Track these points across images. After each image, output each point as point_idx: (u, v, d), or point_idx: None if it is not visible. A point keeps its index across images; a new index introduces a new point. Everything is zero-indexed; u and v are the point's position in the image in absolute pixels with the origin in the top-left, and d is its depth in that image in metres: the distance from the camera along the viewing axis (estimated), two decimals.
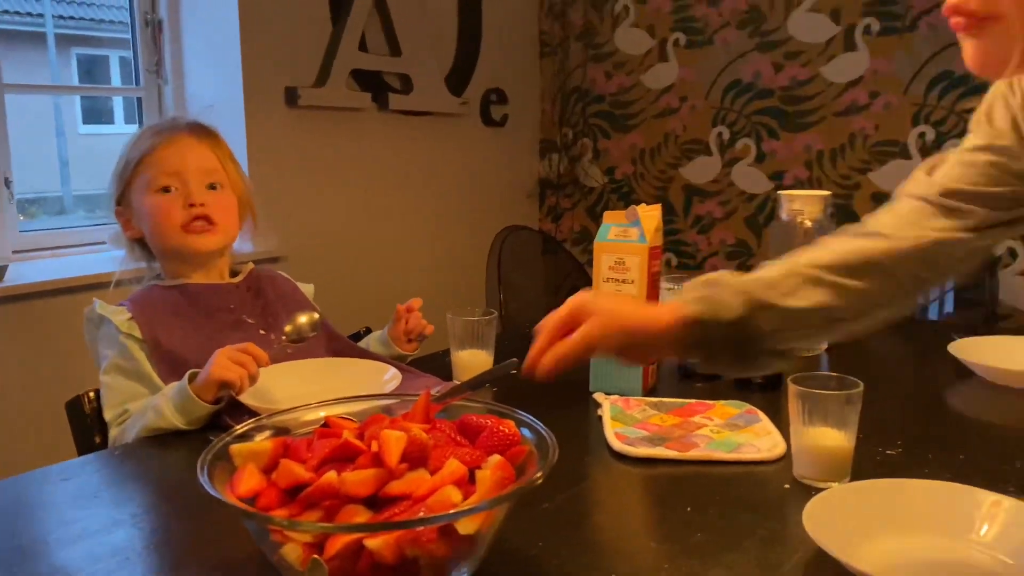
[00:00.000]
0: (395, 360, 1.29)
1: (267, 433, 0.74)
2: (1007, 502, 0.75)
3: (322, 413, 0.76)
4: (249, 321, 1.24)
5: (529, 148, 3.47)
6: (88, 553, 0.76)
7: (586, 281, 2.43)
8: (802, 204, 1.42)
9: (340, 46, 2.55)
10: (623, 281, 1.21)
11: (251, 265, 1.33)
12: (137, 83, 2.46)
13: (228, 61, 2.37)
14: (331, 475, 0.64)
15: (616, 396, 1.18)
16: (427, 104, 2.89)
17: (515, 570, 0.73)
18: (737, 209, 3.03)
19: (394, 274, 2.74)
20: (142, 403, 1.10)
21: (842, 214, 2.77)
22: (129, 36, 2.46)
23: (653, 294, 1.23)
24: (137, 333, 1.14)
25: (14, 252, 2.15)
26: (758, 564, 0.73)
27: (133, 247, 1.30)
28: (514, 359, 0.87)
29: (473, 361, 1.26)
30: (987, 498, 0.76)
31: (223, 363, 1.03)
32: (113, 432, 1.12)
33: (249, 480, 0.66)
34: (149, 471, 0.99)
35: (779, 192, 1.47)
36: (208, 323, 1.19)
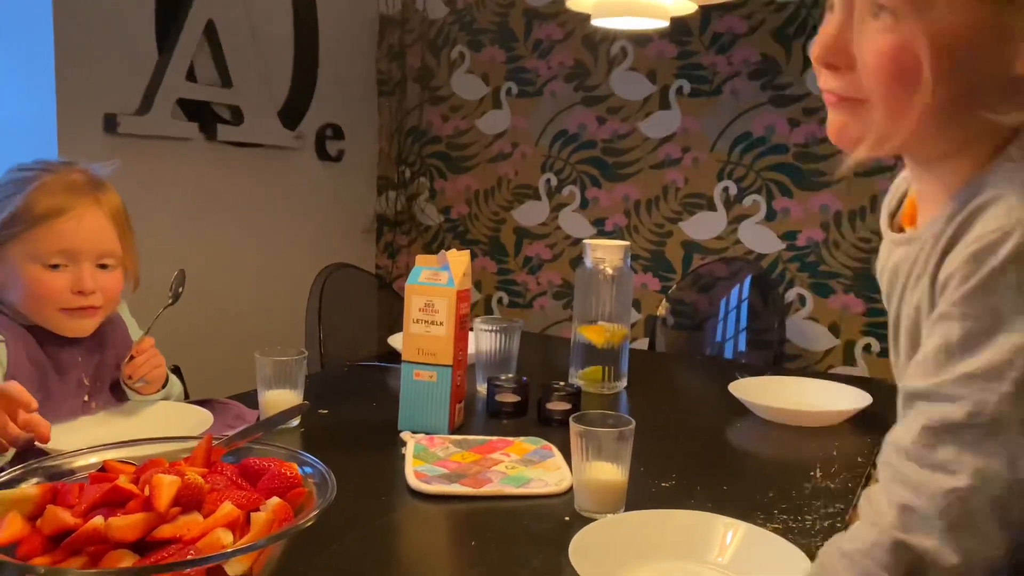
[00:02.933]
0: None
1: (36, 479, 0.72)
2: (743, 527, 0.85)
3: (95, 458, 0.75)
4: (85, 383, 1.20)
5: (366, 184, 3.48)
6: None
7: None
8: (604, 253, 1.52)
9: (166, 74, 2.48)
10: (432, 323, 1.26)
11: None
12: None
13: (40, 84, 2.25)
14: (97, 520, 0.63)
15: (421, 435, 1.22)
16: (258, 136, 2.85)
17: None
18: (563, 252, 3.17)
19: (216, 311, 2.66)
20: None
21: (656, 259, 2.97)
22: None
23: (462, 335, 1.28)
24: (3, 358, 1.08)
25: None
26: None
27: None
28: (305, 402, 0.89)
29: (280, 401, 1.26)
30: (728, 526, 0.86)
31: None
32: None
33: (11, 527, 0.65)
34: None
35: (584, 241, 1.57)
36: (58, 383, 1.16)
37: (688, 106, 2.88)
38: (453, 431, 1.27)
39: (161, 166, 2.52)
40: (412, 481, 1.05)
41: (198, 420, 1.15)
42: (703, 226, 2.86)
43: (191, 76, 2.59)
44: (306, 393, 1.29)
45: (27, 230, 1.12)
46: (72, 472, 0.75)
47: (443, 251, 1.28)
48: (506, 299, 3.28)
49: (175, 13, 2.53)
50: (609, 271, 1.53)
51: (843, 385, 1.51)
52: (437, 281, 1.26)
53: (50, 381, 1.15)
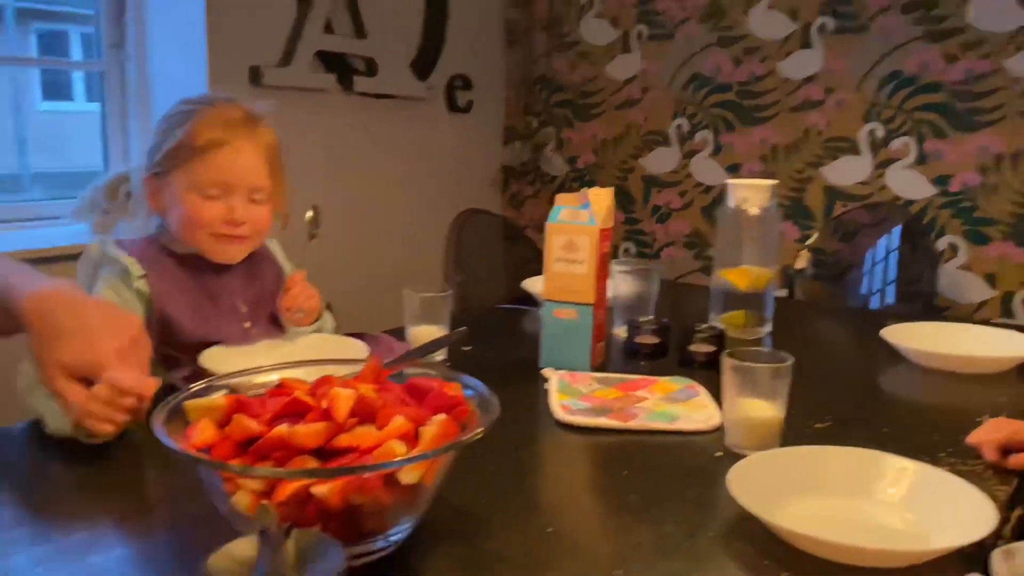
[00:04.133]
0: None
1: (222, 392, 0.77)
2: (913, 466, 0.81)
3: (276, 376, 0.79)
4: (242, 309, 1.25)
5: (493, 135, 3.50)
6: (38, 506, 0.79)
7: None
8: (748, 192, 1.47)
9: (305, 26, 2.56)
10: (573, 262, 1.25)
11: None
12: (99, 58, 2.45)
13: (193, 38, 2.37)
14: (282, 428, 0.67)
15: (564, 372, 1.22)
16: (392, 87, 2.91)
17: (458, 524, 0.77)
18: (694, 200, 3.10)
19: (356, 253, 2.76)
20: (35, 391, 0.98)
21: (795, 207, 2.85)
22: (92, 11, 2.44)
23: (603, 275, 1.28)
24: (146, 290, 1.15)
25: None
26: (685, 522, 0.78)
27: (120, 197, 1.28)
28: (464, 328, 0.91)
29: (427, 336, 1.30)
30: (896, 463, 0.82)
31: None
32: (20, 368, 1.02)
33: (203, 433, 0.69)
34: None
35: (727, 181, 1.52)
36: (209, 305, 1.21)
37: (832, 44, 2.72)
38: (594, 369, 1.27)
39: (302, 117, 2.62)
40: (558, 413, 1.06)
41: (354, 350, 1.19)
42: (846, 171, 2.72)
43: (328, 28, 2.65)
44: (450, 331, 1.32)
45: (188, 160, 1.19)
46: (250, 389, 0.80)
47: (585, 189, 1.27)
48: (633, 249, 3.24)
49: None
50: (754, 211, 1.48)
51: (1006, 331, 1.41)
52: (578, 220, 1.26)
53: (204, 307, 1.22)
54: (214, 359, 1.11)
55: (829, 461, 0.85)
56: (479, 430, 0.68)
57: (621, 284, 1.51)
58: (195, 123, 1.19)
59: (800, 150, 2.83)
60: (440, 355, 1.29)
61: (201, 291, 1.23)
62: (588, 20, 3.25)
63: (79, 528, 0.75)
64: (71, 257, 2.04)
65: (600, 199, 1.25)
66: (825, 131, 2.77)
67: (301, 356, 1.20)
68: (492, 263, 2.36)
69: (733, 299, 1.51)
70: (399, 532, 0.70)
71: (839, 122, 2.74)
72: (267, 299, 1.31)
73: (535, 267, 2.29)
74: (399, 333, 1.38)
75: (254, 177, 1.22)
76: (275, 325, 1.31)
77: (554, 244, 1.26)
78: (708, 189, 3.06)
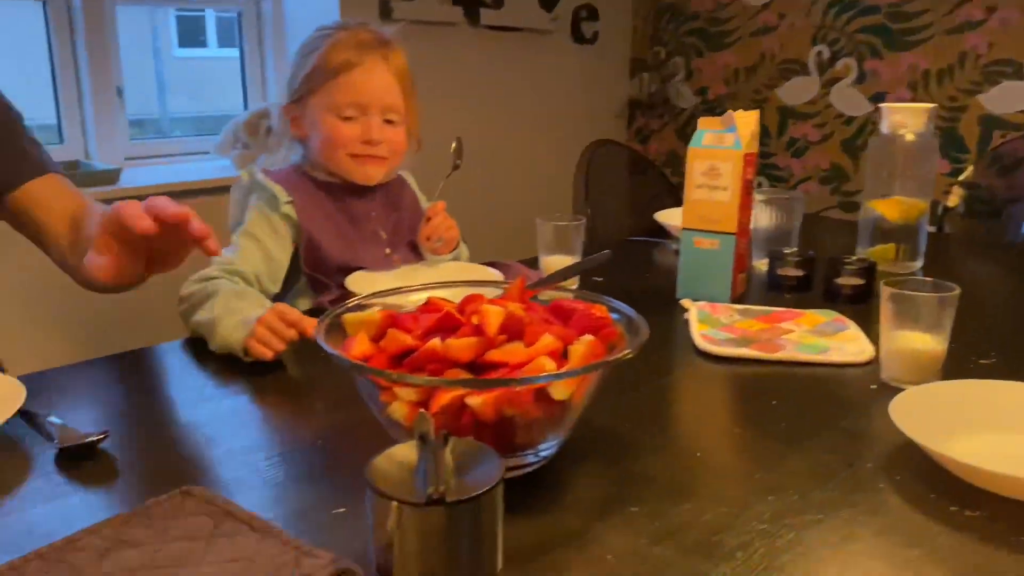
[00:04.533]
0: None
1: (375, 309, 0.78)
2: None
3: (425, 295, 0.80)
4: (382, 236, 1.28)
5: (619, 67, 3.41)
6: (212, 413, 0.84)
7: (675, 201, 2.41)
8: (904, 117, 1.37)
9: None
10: (716, 188, 1.21)
11: (394, 175, 1.35)
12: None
13: None
14: (435, 341, 0.68)
15: (703, 302, 1.19)
16: (518, 20, 2.87)
17: (603, 445, 0.77)
18: (834, 132, 2.93)
19: (485, 185, 2.77)
20: (214, 299, 1.04)
21: (947, 138, 2.65)
22: None
23: (746, 202, 1.23)
24: (293, 216, 1.19)
25: (126, 159, 2.27)
26: (841, 452, 0.75)
27: (263, 130, 1.33)
28: (607, 251, 0.89)
29: (559, 265, 1.29)
30: None
31: (263, 337, 0.94)
32: (186, 289, 1.09)
33: (360, 346, 0.71)
34: None
35: (881, 105, 1.42)
36: (351, 231, 1.25)
37: None
38: (734, 301, 1.23)
39: (430, 50, 2.62)
40: (700, 343, 1.03)
41: (489, 278, 1.20)
42: (1008, 98, 2.50)
43: None
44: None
45: (324, 83, 1.22)
46: (401, 308, 0.81)
47: (730, 111, 1.21)
48: (766, 184, 3.11)
49: None
50: (910, 137, 1.38)
51: None
52: (722, 144, 1.21)
53: (347, 231, 1.26)
54: (360, 282, 1.15)
55: (999, 395, 0.79)
56: (630, 349, 0.67)
57: (762, 214, 1.45)
58: (329, 46, 1.22)
59: (955, 76, 2.61)
60: (575, 283, 1.29)
61: (343, 216, 1.26)
62: None
63: (245, 435, 0.79)
64: (214, 190, 2.16)
65: (746, 122, 1.19)
66: (985, 54, 2.55)
67: (441, 280, 1.23)
68: (619, 196, 2.31)
69: (882, 232, 1.42)
70: (547, 448, 0.70)
71: (1002, 44, 2.51)
72: (405, 227, 1.33)
73: (663, 202, 2.24)
74: (530, 264, 1.38)
75: (387, 97, 1.24)
76: (413, 252, 1.33)
77: (695, 170, 1.22)
78: (850, 120, 2.88)
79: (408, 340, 0.70)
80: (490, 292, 0.85)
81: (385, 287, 1.14)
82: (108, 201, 2.07)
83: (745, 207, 1.22)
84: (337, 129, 1.22)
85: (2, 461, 0.73)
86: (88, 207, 1.07)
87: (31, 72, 2.30)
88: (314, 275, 1.21)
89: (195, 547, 0.58)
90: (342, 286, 1.19)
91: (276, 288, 1.21)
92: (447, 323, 0.71)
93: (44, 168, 1.11)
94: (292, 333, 0.95)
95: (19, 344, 1.23)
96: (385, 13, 2.48)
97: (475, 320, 0.71)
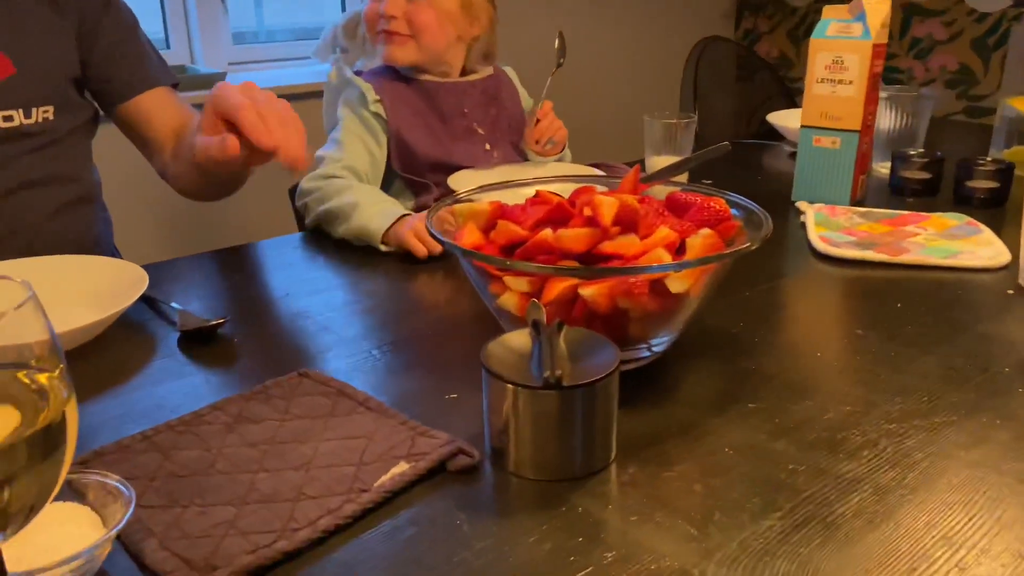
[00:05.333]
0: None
1: (484, 200, 0.77)
2: None
3: (535, 188, 0.78)
4: (479, 132, 1.25)
5: None
6: (324, 303, 0.85)
7: (787, 104, 2.29)
8: None
9: None
10: (840, 82, 1.13)
11: (491, 70, 1.30)
12: None
13: None
14: (546, 232, 0.66)
15: (821, 205, 1.13)
16: None
17: (718, 342, 0.74)
18: (963, 30, 2.70)
19: (587, 85, 2.69)
20: (348, 191, 1.08)
21: None
22: None
23: (873, 97, 1.14)
24: (383, 113, 1.18)
25: (229, 64, 2.30)
26: (976, 356, 0.71)
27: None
28: (725, 143, 0.85)
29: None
30: None
31: (420, 233, 0.98)
32: (310, 184, 1.11)
33: (470, 236, 0.70)
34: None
35: None
36: (442, 127, 1.23)
37: None
38: (854, 203, 1.16)
39: None
40: (819, 244, 0.98)
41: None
42: None
43: None
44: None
45: None
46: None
47: None
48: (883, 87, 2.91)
49: None
50: None
51: None
52: (849, 34, 1.12)
53: (437, 129, 1.23)
54: (462, 181, 1.13)
55: None
56: (751, 242, 0.64)
57: (884, 114, 1.35)
58: None
59: None
60: (683, 177, 1.24)
61: (434, 114, 1.24)
62: None
63: (358, 325, 0.80)
64: (315, 94, 2.17)
65: (877, 9, 1.10)
66: None
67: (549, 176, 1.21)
68: (729, 97, 2.21)
69: (1021, 133, 1.31)
70: (660, 343, 0.69)
71: None
72: (505, 124, 1.30)
73: (774, 105, 2.13)
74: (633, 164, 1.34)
75: None
76: (515, 151, 1.31)
77: (818, 62, 1.14)
78: (982, 18, 2.65)
79: (518, 231, 0.68)
80: (600, 187, 0.82)
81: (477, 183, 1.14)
82: None
83: (871, 103, 1.14)
84: (368, 9, 1.21)
85: (130, 342, 0.76)
86: (192, 121, 1.10)
87: None
88: (408, 175, 1.21)
89: (314, 424, 0.59)
90: (440, 185, 1.18)
91: (378, 186, 1.21)
92: (558, 214, 0.69)
93: (155, 80, 1.14)
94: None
95: (137, 236, 1.28)
96: None
97: (587, 212, 0.68)
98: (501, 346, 0.57)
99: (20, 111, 1.03)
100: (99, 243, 1.17)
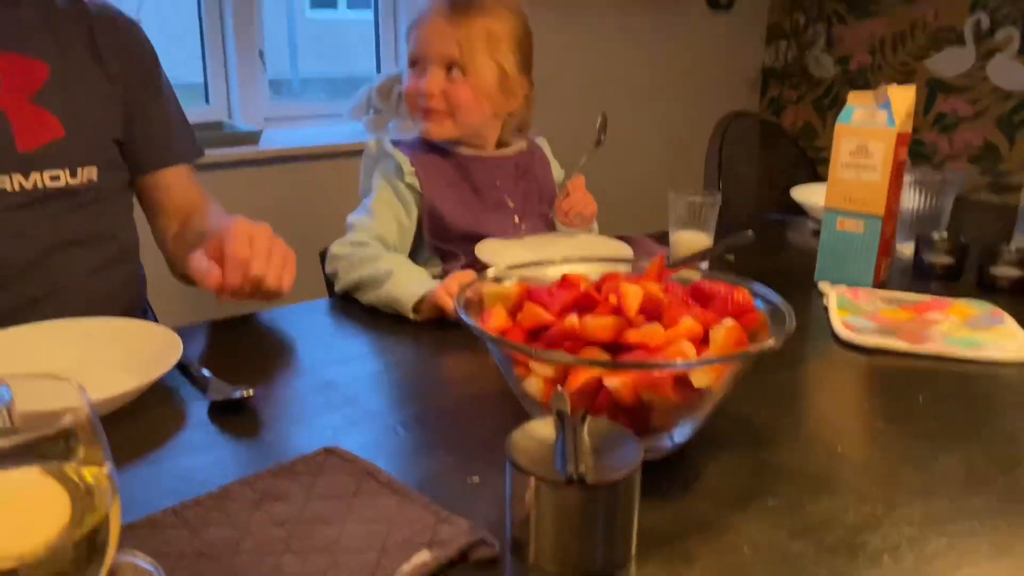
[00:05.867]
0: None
1: (512, 281, 0.79)
2: None
3: (562, 269, 0.80)
4: (509, 205, 1.28)
5: (755, 34, 3.28)
6: (352, 373, 0.87)
7: (810, 175, 2.31)
8: None
9: None
10: (864, 168, 1.15)
11: (524, 144, 1.33)
12: None
13: None
14: (572, 319, 0.68)
15: (843, 287, 1.14)
16: None
17: (740, 433, 0.75)
18: (988, 107, 2.73)
19: (612, 155, 2.73)
20: (380, 259, 1.11)
21: None
22: None
23: (896, 185, 1.16)
24: (417, 186, 1.21)
25: (265, 119, 2.36)
26: (996, 456, 0.71)
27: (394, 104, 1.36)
28: (749, 232, 0.86)
29: (693, 242, 1.26)
30: None
31: (452, 289, 0.99)
32: (341, 249, 1.14)
33: (497, 319, 0.72)
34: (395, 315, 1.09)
35: None
36: (474, 198, 1.25)
37: None
38: (877, 286, 1.17)
39: (560, 18, 2.60)
40: (841, 331, 0.99)
41: (619, 252, 1.19)
42: None
43: None
44: (716, 237, 1.27)
45: (408, 39, 1.25)
46: (536, 280, 0.81)
47: (884, 85, 1.14)
48: (907, 163, 2.93)
49: None
50: None
51: None
52: (874, 122, 1.14)
53: (471, 200, 1.26)
54: (489, 251, 1.16)
55: None
56: (775, 339, 0.64)
57: (910, 195, 1.36)
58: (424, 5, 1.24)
59: None
60: (705, 264, 1.25)
61: (467, 185, 1.26)
62: None
63: (383, 398, 0.82)
64: (347, 154, 2.22)
65: (902, 98, 1.12)
66: None
67: (572, 252, 1.22)
68: (752, 167, 2.24)
69: None
70: (683, 433, 0.69)
71: None
72: (536, 196, 1.32)
73: (796, 174, 2.15)
74: (660, 238, 1.36)
75: (442, 48, 1.20)
76: (543, 222, 1.33)
77: (843, 148, 1.16)
78: (1008, 96, 2.67)
79: (545, 316, 0.70)
80: (625, 268, 0.84)
81: (515, 256, 1.16)
82: (249, 163, 2.17)
83: (895, 189, 1.16)
84: (408, 82, 1.24)
85: (160, 408, 0.78)
86: (202, 207, 1.20)
87: (179, 32, 2.42)
88: (438, 244, 1.23)
89: (339, 505, 0.60)
90: (469, 254, 1.20)
91: (405, 255, 1.23)
92: (584, 301, 0.71)
93: (180, 157, 1.22)
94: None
95: (168, 292, 1.31)
96: None
97: (613, 299, 0.70)
98: (525, 435, 0.58)
99: (66, 170, 1.07)
100: (134, 300, 1.20)
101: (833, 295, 1.10)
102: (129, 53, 1.15)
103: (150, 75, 1.18)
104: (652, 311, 0.69)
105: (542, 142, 1.40)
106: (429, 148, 1.27)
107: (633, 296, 0.69)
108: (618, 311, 0.69)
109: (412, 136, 1.31)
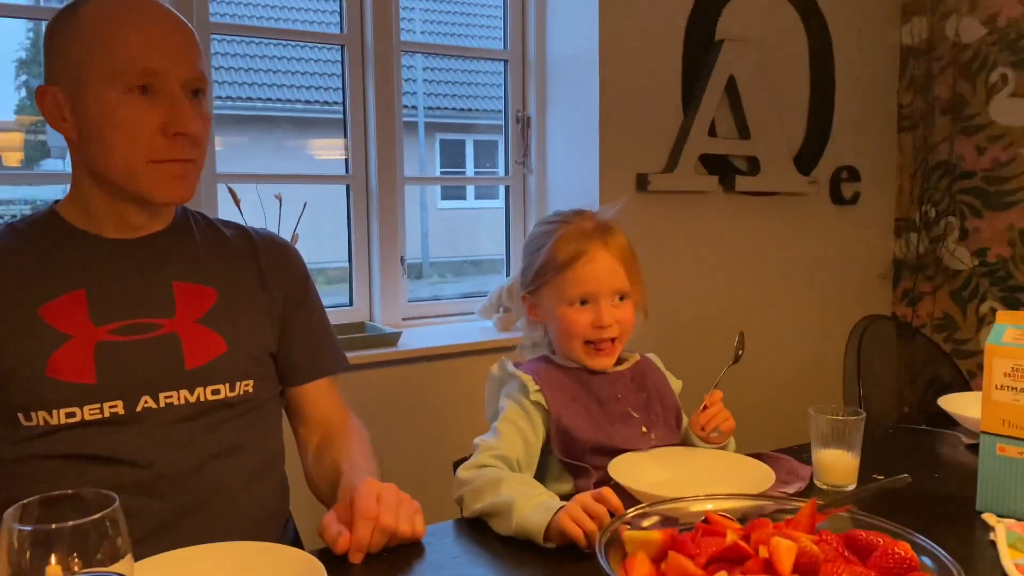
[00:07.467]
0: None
1: (653, 519, 0.78)
2: None
3: (706, 506, 0.78)
4: (634, 415, 1.29)
5: (883, 227, 3.25)
6: None
7: (949, 369, 2.20)
8: None
9: (690, 133, 2.63)
10: (1021, 391, 1.09)
11: (637, 356, 1.37)
12: (506, 172, 2.76)
13: (586, 152, 2.56)
14: (721, 575, 0.66)
15: (1012, 520, 1.05)
16: (774, 184, 2.86)
17: None
18: None
19: (748, 365, 2.70)
20: (502, 484, 1.10)
21: None
22: (497, 124, 2.77)
23: None
24: (543, 403, 1.24)
25: (403, 319, 2.50)
26: None
27: (531, 325, 1.41)
28: (906, 476, 0.82)
29: (837, 463, 1.21)
30: None
31: (576, 515, 0.97)
32: (465, 474, 1.16)
33: (640, 568, 0.70)
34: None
35: None
36: (599, 411, 1.27)
37: None
38: None
39: (684, 217, 2.68)
40: (1014, 575, 0.90)
41: (760, 474, 1.15)
42: None
43: (712, 132, 2.70)
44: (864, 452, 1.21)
45: (554, 277, 1.28)
46: (678, 517, 0.80)
47: None
48: None
49: (698, 74, 2.68)
50: None
51: None
52: None
53: (596, 413, 1.27)
54: (622, 469, 1.15)
55: None
56: None
57: None
58: (555, 242, 1.29)
59: None
60: (851, 482, 1.19)
61: (591, 399, 1.28)
62: (1000, 100, 2.91)
63: None
64: (478, 352, 2.30)
65: None
66: None
67: (706, 470, 1.20)
68: (889, 365, 2.16)
69: None
70: None
71: None
72: (658, 406, 1.32)
73: (936, 369, 2.05)
74: (798, 454, 1.31)
75: (614, 281, 1.27)
76: (669, 430, 1.32)
77: (995, 368, 1.11)
78: None
79: (692, 568, 0.68)
80: (770, 504, 0.81)
81: (650, 475, 1.15)
82: (389, 363, 2.26)
83: None
84: (570, 319, 1.27)
85: None
86: (342, 430, 1.27)
87: (329, 235, 2.64)
88: (568, 460, 1.23)
89: None
90: (600, 468, 1.19)
91: (532, 473, 1.24)
92: (733, 553, 0.69)
93: (327, 371, 1.30)
94: (603, 511, 0.96)
95: (306, 500, 1.36)
96: (641, 185, 2.57)
97: (763, 552, 0.68)
98: None
99: (227, 385, 1.16)
100: (280, 508, 1.25)
101: (1001, 530, 1.02)
102: (287, 275, 1.27)
103: (303, 294, 1.29)
104: (807, 568, 0.66)
105: (654, 357, 1.42)
106: (549, 365, 1.31)
107: (787, 551, 0.66)
108: (770, 567, 0.66)
109: (531, 359, 1.35)
